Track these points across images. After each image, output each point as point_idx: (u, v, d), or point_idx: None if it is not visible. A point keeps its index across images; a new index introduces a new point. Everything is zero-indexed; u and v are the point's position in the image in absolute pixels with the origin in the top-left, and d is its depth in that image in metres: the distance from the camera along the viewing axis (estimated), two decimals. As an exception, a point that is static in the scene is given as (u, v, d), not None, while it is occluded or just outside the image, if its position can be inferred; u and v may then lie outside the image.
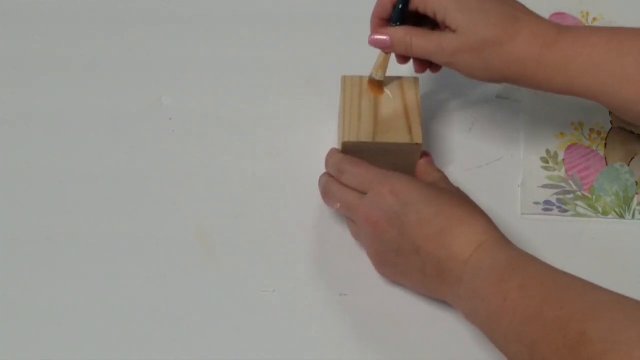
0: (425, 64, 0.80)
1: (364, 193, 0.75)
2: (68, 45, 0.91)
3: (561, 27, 0.75)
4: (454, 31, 0.74)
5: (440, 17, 0.75)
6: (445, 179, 0.78)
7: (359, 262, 0.78)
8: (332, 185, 0.78)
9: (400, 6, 0.76)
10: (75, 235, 0.80)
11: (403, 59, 0.80)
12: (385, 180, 0.74)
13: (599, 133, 0.86)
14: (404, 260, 0.73)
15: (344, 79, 0.81)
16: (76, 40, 0.92)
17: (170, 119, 0.87)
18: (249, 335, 0.76)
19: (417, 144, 0.78)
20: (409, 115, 0.79)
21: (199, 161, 0.84)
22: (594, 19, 0.93)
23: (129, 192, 0.83)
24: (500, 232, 0.72)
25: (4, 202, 0.82)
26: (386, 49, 0.78)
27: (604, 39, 0.73)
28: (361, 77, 0.81)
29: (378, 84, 0.80)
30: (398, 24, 0.77)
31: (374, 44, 0.78)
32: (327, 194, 0.78)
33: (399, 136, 0.78)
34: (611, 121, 0.87)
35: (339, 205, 0.77)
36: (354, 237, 0.78)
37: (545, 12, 0.94)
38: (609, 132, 0.86)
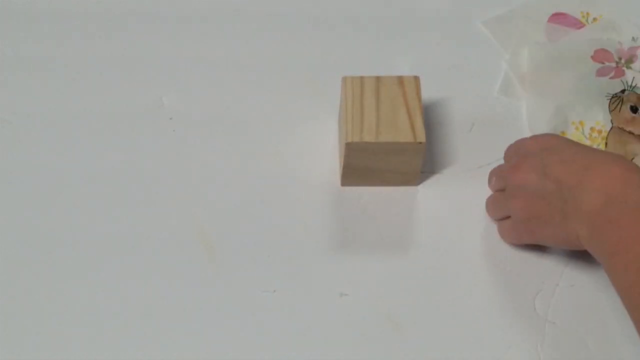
0: None
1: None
2: (68, 45, 0.91)
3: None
4: None
5: None
6: None
7: (359, 262, 0.78)
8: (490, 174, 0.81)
9: None
10: (75, 235, 0.80)
11: None
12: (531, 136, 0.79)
13: (599, 132, 0.86)
14: (546, 206, 0.73)
15: (345, 80, 0.81)
16: (76, 40, 0.92)
17: (170, 118, 0.87)
18: (249, 335, 0.75)
19: (420, 142, 0.78)
20: (411, 114, 0.79)
21: (199, 161, 0.84)
22: (594, 19, 0.94)
23: (130, 192, 0.82)
24: None
25: (3, 202, 0.82)
26: None
27: None
28: (362, 77, 0.81)
29: None
30: None
31: None
32: (489, 181, 0.81)
33: (402, 135, 0.78)
34: (611, 120, 0.87)
35: (494, 179, 0.79)
36: (503, 234, 0.78)
37: (545, 12, 0.94)
38: (610, 131, 0.86)
